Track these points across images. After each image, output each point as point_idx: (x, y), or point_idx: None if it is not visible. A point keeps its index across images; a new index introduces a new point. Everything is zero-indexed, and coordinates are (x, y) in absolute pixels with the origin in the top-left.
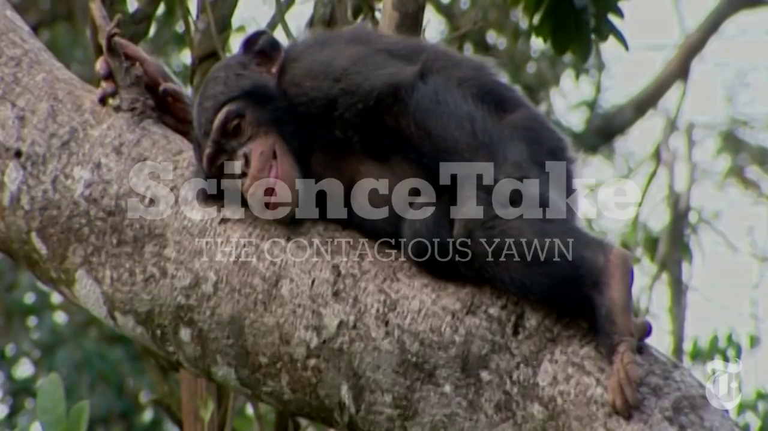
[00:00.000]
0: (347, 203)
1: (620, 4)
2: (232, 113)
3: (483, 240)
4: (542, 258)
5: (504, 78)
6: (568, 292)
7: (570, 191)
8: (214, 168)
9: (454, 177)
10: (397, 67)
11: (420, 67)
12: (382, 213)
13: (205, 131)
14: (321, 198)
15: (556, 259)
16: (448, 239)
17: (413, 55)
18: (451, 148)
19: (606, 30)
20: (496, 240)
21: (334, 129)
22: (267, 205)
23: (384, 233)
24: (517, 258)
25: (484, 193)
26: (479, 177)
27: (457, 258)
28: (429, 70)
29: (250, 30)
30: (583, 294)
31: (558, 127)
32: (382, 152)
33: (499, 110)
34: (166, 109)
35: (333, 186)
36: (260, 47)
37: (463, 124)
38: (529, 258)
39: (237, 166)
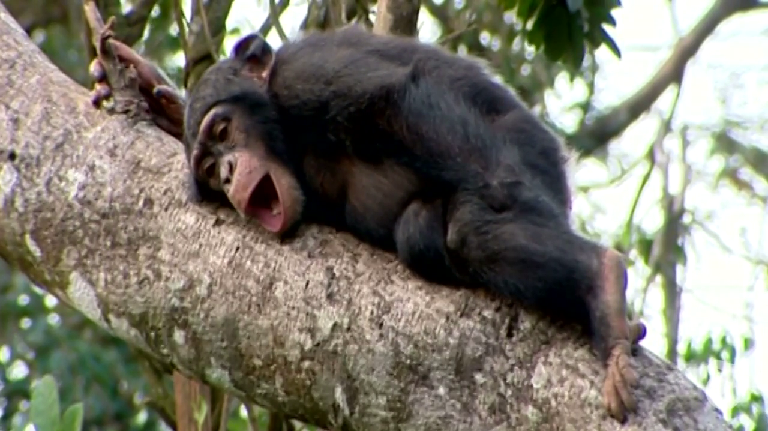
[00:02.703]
0: (341, 205)
1: (614, 11)
2: (218, 116)
3: (476, 245)
4: (536, 262)
5: (497, 78)
6: (562, 296)
7: (563, 191)
8: (201, 170)
9: (447, 182)
10: (388, 69)
11: (411, 69)
12: (375, 216)
13: (193, 133)
14: (314, 200)
15: (550, 263)
16: (441, 244)
17: (404, 55)
18: (444, 152)
19: (599, 37)
20: (490, 245)
21: (327, 132)
22: (271, 219)
23: (377, 235)
24: (510, 263)
25: (478, 197)
26: (472, 182)
27: (451, 263)
28: (421, 72)
29: (243, 34)
30: (577, 298)
31: (552, 128)
32: (374, 155)
33: (492, 110)
34: (161, 111)
35: (326, 189)
36: (251, 52)
37: (456, 128)
38: (522, 263)
39: (222, 171)
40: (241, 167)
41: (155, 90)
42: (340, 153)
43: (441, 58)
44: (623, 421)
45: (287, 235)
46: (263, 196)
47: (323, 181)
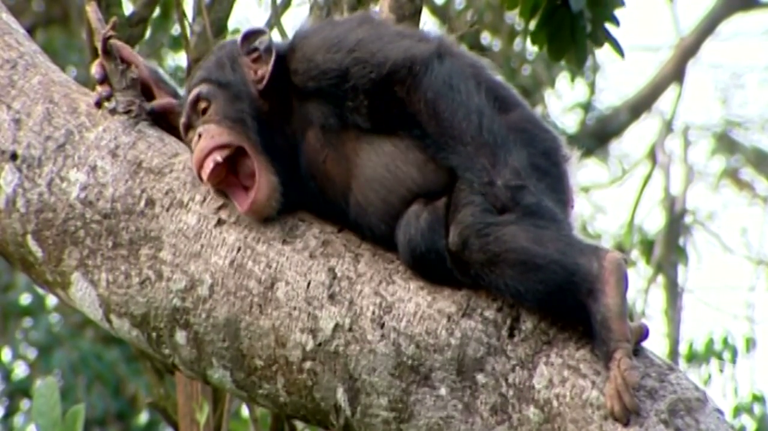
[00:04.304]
0: (343, 196)
1: (616, 11)
2: (202, 94)
3: (478, 248)
4: (536, 265)
5: (499, 76)
6: (562, 299)
7: (565, 192)
8: (186, 137)
9: (453, 166)
10: (413, 42)
11: (437, 46)
12: (377, 212)
13: (186, 100)
14: (315, 190)
15: (551, 266)
16: (442, 246)
17: (422, 38)
18: (456, 137)
19: (602, 37)
20: (491, 247)
21: (345, 101)
22: (245, 201)
23: (379, 231)
24: (511, 265)
25: (480, 199)
26: (477, 175)
27: (453, 265)
28: (446, 51)
29: (253, 27)
30: (578, 301)
31: (553, 128)
32: (387, 125)
33: (496, 107)
34: (161, 118)
35: (329, 168)
36: (254, 46)
37: (472, 116)
38: (523, 265)
39: (193, 141)
40: (206, 134)
41: (147, 108)
42: (348, 136)
43: (452, 49)
44: (626, 424)
45: (287, 230)
46: (244, 185)
47: (327, 158)
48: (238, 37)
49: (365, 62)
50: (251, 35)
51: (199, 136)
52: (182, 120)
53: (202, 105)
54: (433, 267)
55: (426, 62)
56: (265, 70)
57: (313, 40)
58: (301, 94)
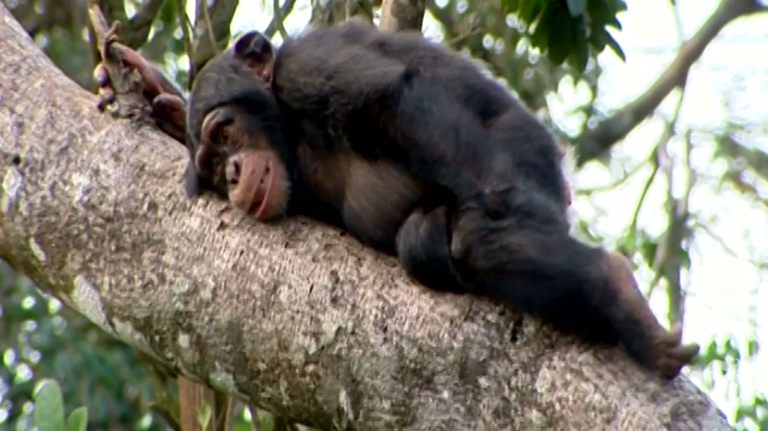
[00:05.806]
0: (339, 204)
1: (618, 14)
2: (221, 118)
3: (482, 254)
4: (545, 275)
5: (493, 77)
6: (571, 306)
7: (560, 189)
8: (205, 169)
9: (443, 186)
10: (385, 66)
11: (405, 69)
12: (371, 218)
13: (196, 133)
14: (309, 191)
15: (561, 276)
16: (443, 254)
17: (405, 52)
18: (438, 160)
19: (603, 40)
20: (497, 256)
21: (327, 127)
22: (254, 208)
23: (375, 236)
24: (519, 274)
25: (477, 205)
26: (466, 190)
27: (456, 272)
28: (414, 72)
29: (242, 34)
30: (587, 308)
31: (553, 131)
32: (372, 154)
33: (488, 110)
34: (165, 116)
35: (319, 179)
36: (252, 49)
37: (448, 135)
38: (531, 274)
39: (228, 172)
40: (247, 168)
41: (155, 100)
42: (338, 150)
43: (439, 56)
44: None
45: (290, 234)
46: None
47: (317, 171)
48: (230, 51)
49: (341, 92)
50: (245, 41)
51: (236, 166)
52: (199, 153)
53: (223, 129)
54: (434, 276)
55: (396, 91)
56: (270, 67)
57: (298, 58)
58: (288, 109)
